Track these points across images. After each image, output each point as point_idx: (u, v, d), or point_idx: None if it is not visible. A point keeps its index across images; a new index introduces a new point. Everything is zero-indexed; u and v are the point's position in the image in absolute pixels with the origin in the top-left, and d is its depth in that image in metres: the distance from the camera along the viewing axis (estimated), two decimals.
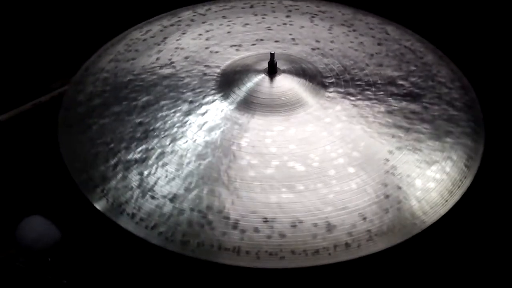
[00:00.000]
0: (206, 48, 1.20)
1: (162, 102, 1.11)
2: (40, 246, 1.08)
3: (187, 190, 1.01)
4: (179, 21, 1.27)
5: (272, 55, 1.11)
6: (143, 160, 1.05)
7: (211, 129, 1.07)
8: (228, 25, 1.25)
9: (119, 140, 1.07)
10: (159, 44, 1.22)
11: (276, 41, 1.21)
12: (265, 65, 1.12)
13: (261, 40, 1.22)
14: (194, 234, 0.98)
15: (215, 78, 1.14)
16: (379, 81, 1.16)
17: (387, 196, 1.02)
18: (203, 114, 1.09)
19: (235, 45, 1.20)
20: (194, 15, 1.28)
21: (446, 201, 1.04)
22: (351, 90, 1.13)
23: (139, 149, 1.06)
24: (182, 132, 1.07)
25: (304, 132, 1.07)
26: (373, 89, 1.14)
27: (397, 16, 1.32)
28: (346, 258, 0.98)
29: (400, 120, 1.10)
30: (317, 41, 1.22)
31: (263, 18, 1.27)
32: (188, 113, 1.09)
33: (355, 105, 1.11)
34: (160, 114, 1.09)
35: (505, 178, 1.26)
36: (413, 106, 1.13)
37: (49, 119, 1.19)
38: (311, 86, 1.12)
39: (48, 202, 1.18)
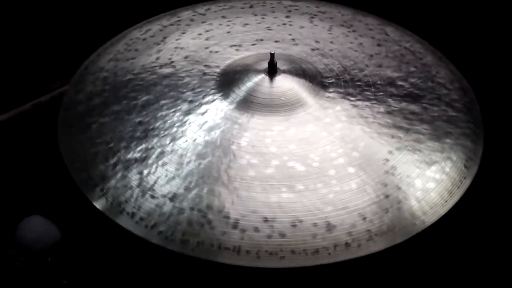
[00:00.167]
0: (206, 48, 1.20)
1: (162, 102, 1.11)
2: (40, 246, 1.08)
3: (187, 189, 1.01)
4: (179, 20, 1.27)
5: (272, 55, 1.11)
6: (143, 159, 1.05)
7: (211, 129, 1.07)
8: (228, 25, 1.25)
9: (118, 139, 1.07)
10: (158, 44, 1.22)
11: (276, 41, 1.21)
12: (265, 65, 1.12)
13: (261, 40, 1.22)
14: (194, 234, 0.98)
15: (215, 78, 1.14)
16: (378, 82, 1.16)
17: (387, 196, 1.02)
18: (203, 113, 1.09)
19: (235, 45, 1.20)
20: (193, 15, 1.28)
21: (446, 201, 1.04)
22: (351, 90, 1.13)
23: (138, 148, 1.06)
24: (182, 132, 1.07)
25: (304, 132, 1.07)
26: (373, 89, 1.14)
27: (396, 17, 1.32)
28: (346, 257, 0.98)
29: (400, 121, 1.10)
30: (316, 41, 1.22)
31: (262, 18, 1.27)
32: (188, 112, 1.09)
33: (355, 106, 1.11)
34: (160, 114, 1.09)
35: (504, 178, 1.26)
36: (412, 107, 1.13)
37: (49, 119, 1.19)
38: (311, 86, 1.12)
39: (48, 202, 1.18)
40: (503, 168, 1.27)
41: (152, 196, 1.01)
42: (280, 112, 1.09)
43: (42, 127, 1.28)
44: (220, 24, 1.25)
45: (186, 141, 1.06)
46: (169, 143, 1.06)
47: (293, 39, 1.22)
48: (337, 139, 1.07)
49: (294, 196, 1.01)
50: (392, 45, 1.24)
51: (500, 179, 1.25)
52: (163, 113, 1.10)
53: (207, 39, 1.22)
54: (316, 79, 1.14)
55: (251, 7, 1.30)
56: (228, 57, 1.18)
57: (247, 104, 1.10)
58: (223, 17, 1.27)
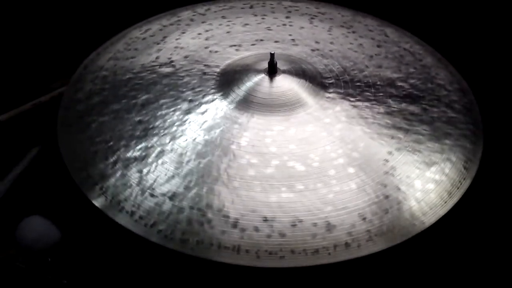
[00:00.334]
0: (206, 47, 1.20)
1: (162, 101, 1.11)
2: (40, 247, 1.07)
3: (187, 188, 1.01)
4: (179, 20, 1.28)
5: (272, 55, 1.11)
6: (142, 158, 1.05)
7: (210, 128, 1.07)
8: (228, 25, 1.25)
9: (118, 138, 1.07)
10: (158, 43, 1.22)
11: (276, 42, 1.22)
12: (265, 65, 1.13)
13: (261, 40, 1.22)
14: (194, 232, 0.98)
15: (214, 78, 1.14)
16: (378, 83, 1.16)
17: (386, 197, 1.02)
18: (202, 113, 1.09)
19: (234, 45, 1.21)
20: (193, 15, 1.28)
21: (445, 202, 1.04)
22: (351, 91, 1.14)
23: (138, 147, 1.06)
24: (182, 131, 1.07)
25: (304, 132, 1.07)
26: (373, 90, 1.14)
27: (396, 18, 1.32)
28: (346, 258, 0.98)
29: (400, 122, 1.10)
30: (316, 42, 1.22)
31: (262, 18, 1.27)
32: (187, 111, 1.09)
33: (354, 106, 1.11)
34: (159, 113, 1.10)
35: (503, 179, 1.26)
36: (412, 108, 1.13)
37: (49, 119, 1.19)
38: (311, 86, 1.13)
39: (48, 202, 1.18)
40: (502, 169, 1.27)
41: (152, 195, 1.01)
42: (280, 112, 1.09)
43: (42, 127, 1.28)
44: (220, 24, 1.26)
45: (186, 140, 1.06)
46: (169, 142, 1.06)
47: (293, 40, 1.22)
48: (337, 139, 1.07)
49: (294, 196, 1.01)
50: (392, 46, 1.24)
51: (500, 180, 1.25)
52: (163, 112, 1.10)
53: (207, 39, 1.22)
54: (316, 80, 1.14)
55: (251, 7, 1.30)
56: (228, 57, 1.18)
57: (247, 104, 1.10)
58: (223, 17, 1.27)
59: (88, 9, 1.56)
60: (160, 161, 1.04)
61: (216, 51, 1.19)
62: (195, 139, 1.06)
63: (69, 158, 1.07)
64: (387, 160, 1.06)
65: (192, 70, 1.16)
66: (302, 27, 1.25)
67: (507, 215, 1.21)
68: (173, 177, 1.02)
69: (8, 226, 1.10)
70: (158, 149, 1.05)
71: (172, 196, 1.01)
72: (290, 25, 1.26)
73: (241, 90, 1.11)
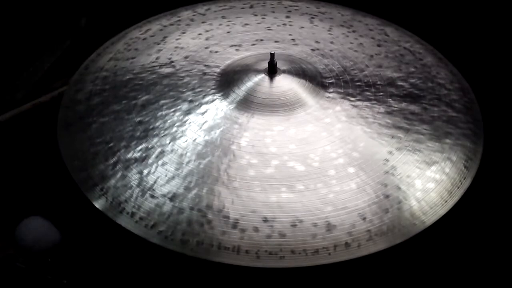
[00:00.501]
0: (206, 47, 1.20)
1: (162, 101, 1.11)
2: (39, 248, 1.07)
3: (187, 189, 1.01)
4: (179, 20, 1.28)
5: (272, 55, 1.11)
6: (142, 159, 1.05)
7: (211, 129, 1.07)
8: (228, 25, 1.25)
9: (118, 139, 1.07)
10: (158, 44, 1.22)
11: (276, 41, 1.22)
12: (265, 65, 1.13)
13: (261, 40, 1.22)
14: (194, 233, 0.98)
15: (215, 78, 1.14)
16: (378, 82, 1.16)
17: (387, 196, 1.02)
18: (203, 113, 1.09)
19: (234, 45, 1.21)
20: (193, 15, 1.28)
21: (446, 201, 1.04)
22: (351, 90, 1.14)
23: (138, 148, 1.06)
24: (182, 131, 1.07)
25: (304, 132, 1.07)
26: (373, 90, 1.14)
27: (396, 18, 1.32)
28: (346, 258, 0.98)
29: (400, 121, 1.10)
30: (317, 41, 1.22)
31: (262, 18, 1.27)
32: (188, 112, 1.09)
33: (354, 106, 1.11)
34: (160, 113, 1.10)
35: (504, 179, 1.26)
36: (412, 107, 1.13)
37: (49, 119, 1.19)
38: (311, 86, 1.13)
39: (48, 202, 1.18)
40: (503, 168, 1.27)
41: (152, 196, 1.01)
42: (280, 112, 1.09)
43: (42, 127, 1.28)
44: (220, 24, 1.25)
45: (186, 140, 1.06)
46: (169, 142, 1.06)
47: (293, 39, 1.22)
48: (337, 139, 1.07)
49: (294, 196, 1.01)
50: (392, 45, 1.24)
51: (500, 179, 1.25)
52: (163, 112, 1.10)
53: (207, 39, 1.22)
54: (316, 79, 1.14)
55: (251, 7, 1.30)
56: (228, 57, 1.18)
57: (247, 104, 1.10)
58: (223, 17, 1.27)
59: (88, 9, 1.56)
60: (160, 162, 1.04)
61: (216, 51, 1.19)
62: (195, 139, 1.06)
63: (69, 159, 1.07)
64: (387, 160, 1.06)
65: (192, 71, 1.16)
66: (302, 27, 1.25)
67: (508, 214, 1.21)
68: (173, 178, 1.02)
69: (8, 226, 1.10)
70: (158, 150, 1.05)
71: (173, 197, 1.01)
72: (290, 25, 1.26)
73: (241, 90, 1.11)
